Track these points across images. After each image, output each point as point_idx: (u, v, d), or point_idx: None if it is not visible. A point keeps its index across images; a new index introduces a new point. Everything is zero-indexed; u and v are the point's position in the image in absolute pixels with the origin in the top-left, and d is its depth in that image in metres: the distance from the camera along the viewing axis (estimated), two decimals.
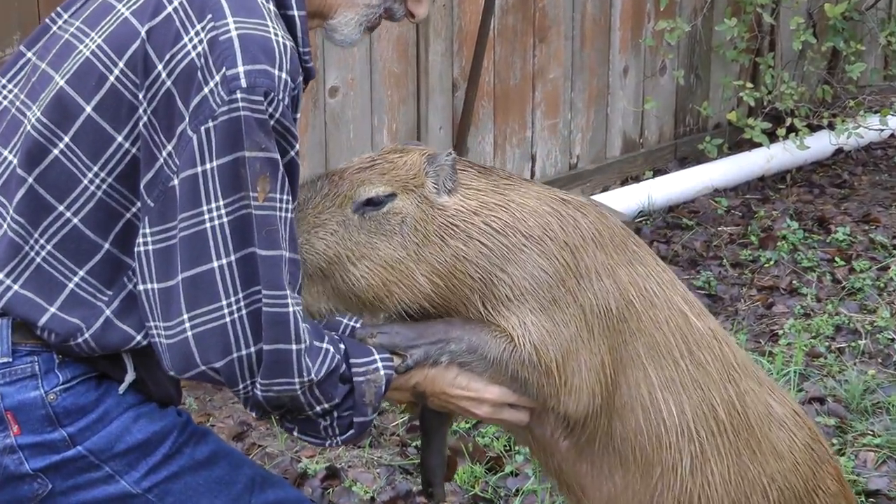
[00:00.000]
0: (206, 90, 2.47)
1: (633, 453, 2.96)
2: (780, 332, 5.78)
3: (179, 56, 2.50)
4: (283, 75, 2.50)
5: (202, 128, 2.47)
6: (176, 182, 2.50)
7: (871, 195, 7.49)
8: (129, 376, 2.69)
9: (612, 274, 2.89)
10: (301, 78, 2.61)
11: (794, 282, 6.27)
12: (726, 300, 6.13)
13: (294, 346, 2.54)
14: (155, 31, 2.53)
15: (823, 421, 5.05)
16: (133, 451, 2.70)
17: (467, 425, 5.06)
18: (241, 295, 2.50)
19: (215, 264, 2.49)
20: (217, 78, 2.46)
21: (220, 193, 2.48)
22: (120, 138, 2.55)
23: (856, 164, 7.98)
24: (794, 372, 5.35)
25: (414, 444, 4.98)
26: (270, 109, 2.48)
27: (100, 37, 2.58)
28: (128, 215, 2.59)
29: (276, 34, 2.52)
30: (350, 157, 5.97)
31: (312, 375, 2.59)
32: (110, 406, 2.68)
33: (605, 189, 7.18)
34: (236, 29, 2.49)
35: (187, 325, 2.51)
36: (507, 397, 2.86)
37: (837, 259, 6.52)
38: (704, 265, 6.49)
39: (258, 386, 2.55)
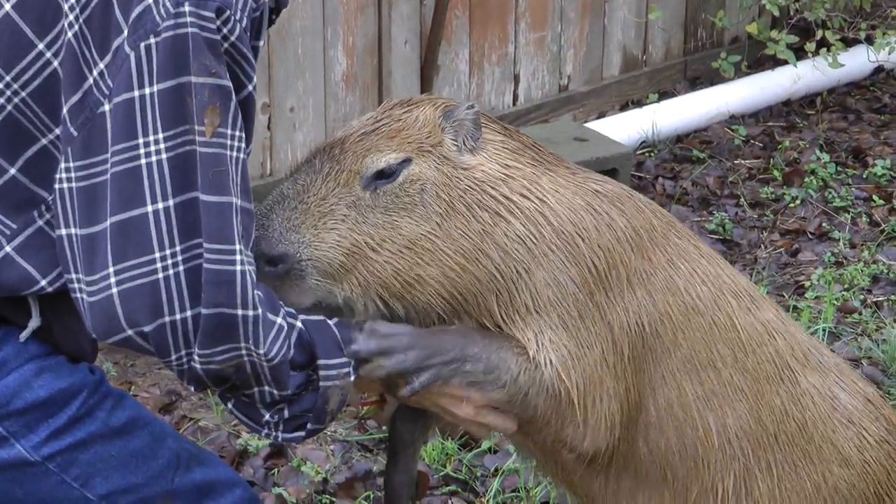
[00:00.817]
0: (150, 1, 2.43)
1: (661, 473, 2.98)
2: (808, 283, 5.82)
3: None
4: None
5: (142, 44, 2.43)
6: (107, 108, 2.46)
7: None
8: (34, 322, 2.67)
9: (647, 282, 2.88)
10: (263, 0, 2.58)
11: (823, 224, 6.31)
12: (744, 246, 6.17)
13: (240, 312, 2.50)
14: None
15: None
16: (32, 410, 2.68)
17: None
18: (178, 248, 2.46)
19: (149, 209, 2.45)
20: None
21: (159, 125, 2.44)
22: (41, 46, 2.52)
23: None
24: (824, 330, 5.40)
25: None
26: (225, 30, 2.45)
27: None
28: (44, 141, 2.57)
29: None
30: (297, 78, 5.98)
31: (262, 350, 2.56)
32: (8, 355, 2.66)
33: (602, 115, 7.20)
34: None
35: (112, 279, 2.46)
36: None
37: (875, 197, 6.56)
38: (718, 205, 6.52)
39: (196, 357, 2.52)
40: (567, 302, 2.82)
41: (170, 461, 2.83)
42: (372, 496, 4.64)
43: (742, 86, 7.47)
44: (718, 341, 2.94)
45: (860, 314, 5.60)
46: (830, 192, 6.59)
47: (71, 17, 2.48)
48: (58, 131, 2.55)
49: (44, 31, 2.51)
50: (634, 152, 6.79)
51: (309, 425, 2.68)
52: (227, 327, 2.50)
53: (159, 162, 2.44)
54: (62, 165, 2.51)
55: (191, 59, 2.42)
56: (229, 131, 2.47)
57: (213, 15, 2.43)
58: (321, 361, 2.67)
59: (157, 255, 2.46)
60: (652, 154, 6.96)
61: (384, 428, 4.89)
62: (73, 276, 2.52)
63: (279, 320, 2.59)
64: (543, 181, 2.84)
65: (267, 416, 2.67)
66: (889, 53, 7.31)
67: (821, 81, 7.61)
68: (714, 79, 7.51)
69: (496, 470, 4.75)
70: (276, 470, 4.77)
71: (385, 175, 2.74)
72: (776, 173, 6.79)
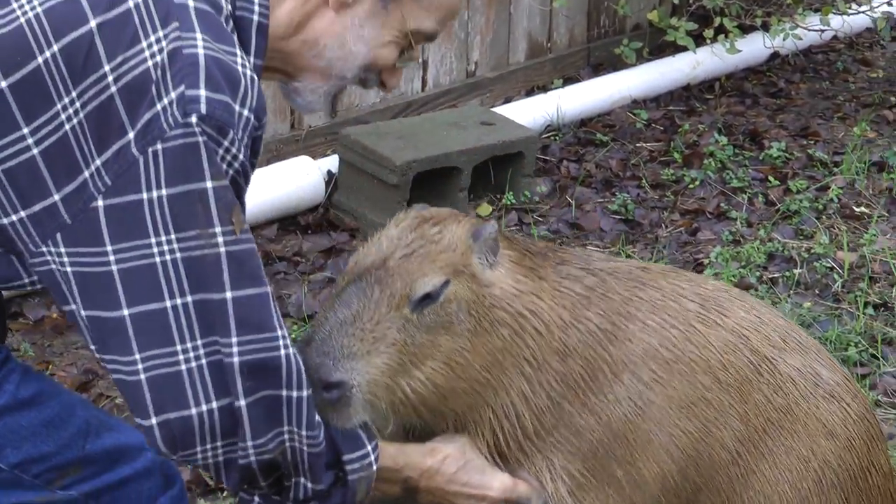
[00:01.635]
0: (158, 107, 2.42)
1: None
2: (706, 261, 5.84)
3: (133, 62, 2.45)
4: (246, 112, 2.49)
5: (150, 149, 2.43)
6: (100, 204, 2.45)
7: (809, 106, 7.59)
8: None
9: (628, 362, 2.97)
10: (266, 118, 2.60)
11: (722, 204, 6.33)
12: (645, 226, 6.18)
13: (286, 393, 2.55)
14: (108, 26, 2.47)
15: None
16: None
17: None
18: (199, 342, 2.50)
19: (168, 303, 2.48)
20: (173, 95, 2.42)
21: (171, 226, 2.45)
22: (25, 130, 2.48)
23: (793, 70, 8.07)
24: None
25: None
26: (226, 143, 2.46)
27: (40, 5, 2.50)
28: (3, 221, 2.54)
29: (244, 65, 2.51)
30: None
31: (306, 432, 2.60)
32: None
33: (508, 100, 7.20)
34: (204, 48, 2.45)
35: (139, 366, 2.50)
36: (513, 491, 2.90)
37: (771, 178, 6.60)
38: (621, 186, 6.53)
39: (250, 449, 2.56)
40: (564, 421, 2.92)
41: (80, 429, 2.81)
42: None
43: (643, 71, 7.49)
44: (699, 374, 3.00)
45: (756, 290, 5.62)
46: (728, 174, 6.62)
47: (70, 110, 2.45)
48: (23, 214, 2.51)
49: (30, 117, 2.48)
50: (540, 136, 6.78)
51: None
52: (274, 410, 2.55)
53: (174, 261, 2.46)
54: (52, 249, 2.50)
55: (205, 166, 2.44)
56: (247, 226, 2.51)
57: (215, 133, 2.44)
58: (346, 457, 2.71)
59: (179, 347, 2.49)
60: (557, 138, 6.95)
61: None
62: (106, 356, 2.53)
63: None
64: (544, 297, 2.92)
65: None
66: (784, 40, 7.34)
67: (719, 67, 7.65)
68: (616, 65, 7.53)
69: None
70: None
71: (430, 297, 2.78)
72: (676, 156, 6.82)
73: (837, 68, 8.14)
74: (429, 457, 2.86)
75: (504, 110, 6.74)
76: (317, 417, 2.63)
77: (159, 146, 2.42)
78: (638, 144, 6.96)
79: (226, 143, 2.46)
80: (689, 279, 3.15)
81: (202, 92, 2.43)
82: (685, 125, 7.16)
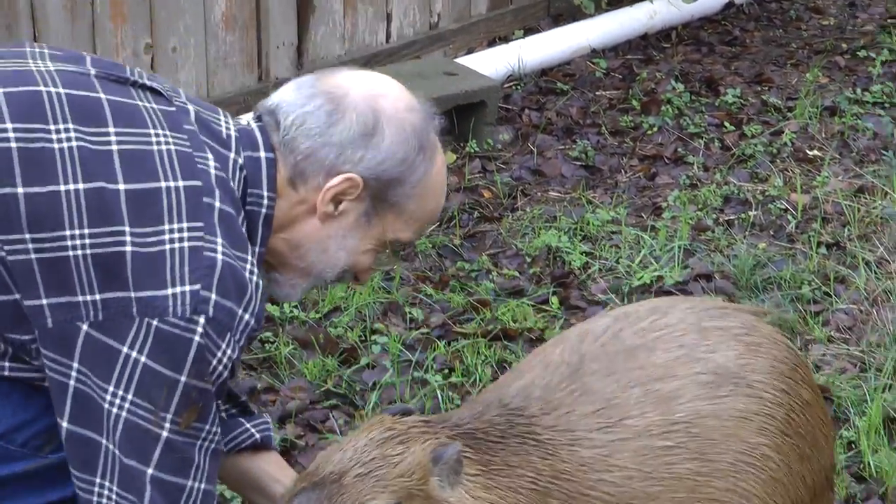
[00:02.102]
0: (168, 291, 2.54)
1: None
2: (664, 204, 5.88)
3: (154, 238, 2.57)
4: (247, 317, 2.59)
5: (146, 320, 2.53)
6: (84, 329, 2.55)
7: (763, 53, 7.61)
8: None
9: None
10: (263, 320, 2.72)
11: (679, 150, 6.37)
12: (605, 171, 6.21)
13: None
14: (136, 195, 2.59)
15: (712, 298, 5.18)
16: None
17: (317, 315, 5.10)
18: (115, 489, 2.62)
19: (102, 442, 2.60)
20: (188, 290, 2.54)
21: (133, 388, 2.55)
22: (27, 235, 2.59)
23: (747, 19, 8.09)
24: (679, 247, 5.47)
25: (260, 338, 5.01)
26: (223, 345, 2.57)
27: (77, 140, 2.63)
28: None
29: (252, 271, 2.63)
30: (178, 18, 5.88)
31: None
32: None
33: (471, 51, 7.19)
34: (223, 254, 2.58)
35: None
36: None
37: (727, 124, 6.64)
38: (581, 133, 6.55)
39: None
40: None
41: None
42: (257, 410, 4.64)
43: (602, 22, 7.48)
44: None
45: (713, 232, 5.67)
46: (685, 120, 6.65)
47: (78, 241, 2.55)
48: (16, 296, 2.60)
49: (39, 227, 2.56)
50: (502, 85, 6.79)
51: None
52: None
53: (118, 416, 2.57)
54: (41, 350, 2.60)
55: (189, 364, 2.55)
56: (206, 426, 2.61)
57: (216, 335, 2.55)
58: None
59: (98, 479, 2.63)
60: (518, 87, 6.97)
61: (262, 339, 4.90)
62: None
63: None
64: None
65: None
66: None
67: (676, 16, 7.67)
68: (576, 15, 7.52)
69: (374, 384, 4.77)
70: None
71: None
72: (635, 103, 6.84)
73: (790, 16, 8.16)
74: None
75: (467, 61, 6.74)
76: None
77: (156, 323, 2.53)
78: (597, 93, 6.99)
79: (223, 346, 2.57)
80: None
81: (213, 296, 2.54)
82: (643, 73, 7.17)
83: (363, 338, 5.01)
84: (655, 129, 6.58)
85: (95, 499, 2.62)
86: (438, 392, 4.72)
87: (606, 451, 3.03)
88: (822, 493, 3.31)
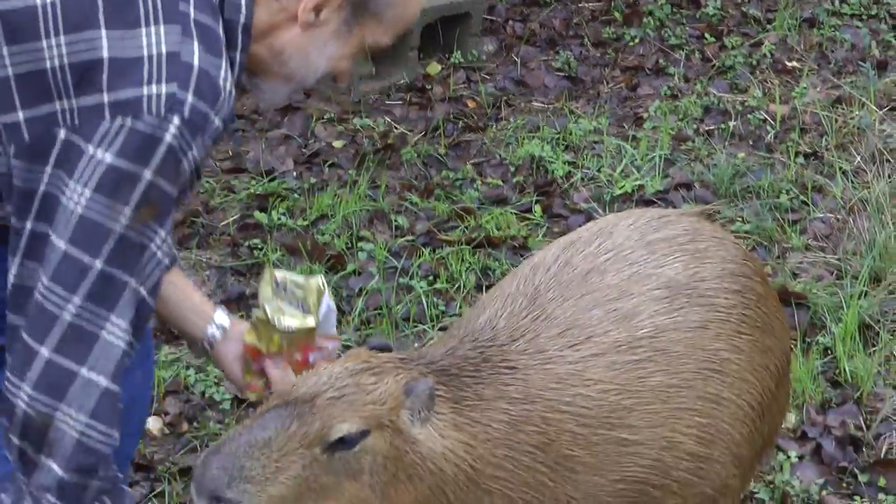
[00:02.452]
0: (145, 90, 2.50)
1: None
2: (646, 115, 5.87)
3: (131, 42, 2.53)
4: (217, 122, 2.57)
5: (120, 119, 2.50)
6: (62, 135, 2.53)
7: None
8: None
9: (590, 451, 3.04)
10: (230, 125, 2.70)
11: (660, 61, 6.35)
12: (587, 82, 6.19)
13: (92, 376, 2.59)
14: (112, 1, 2.56)
15: (690, 207, 5.18)
16: None
17: (305, 222, 5.09)
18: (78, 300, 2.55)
19: (61, 245, 2.55)
20: (164, 90, 2.51)
21: (94, 183, 2.51)
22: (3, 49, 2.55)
23: None
24: (660, 157, 5.47)
25: (246, 244, 5.01)
26: (194, 147, 2.55)
27: None
28: None
29: (226, 78, 2.59)
30: None
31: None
32: None
33: None
34: (199, 60, 2.55)
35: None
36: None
37: (707, 35, 6.61)
38: (564, 45, 6.52)
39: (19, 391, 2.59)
40: None
41: None
42: (245, 316, 4.65)
43: None
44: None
45: (693, 142, 5.66)
46: (666, 31, 6.62)
47: (55, 51, 2.53)
48: None
49: (15, 40, 2.54)
50: None
51: None
52: (60, 381, 2.60)
53: (74, 212, 2.53)
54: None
55: (156, 161, 2.51)
56: (161, 232, 2.58)
57: (189, 135, 2.53)
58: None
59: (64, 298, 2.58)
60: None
61: (249, 245, 4.89)
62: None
63: None
64: (477, 444, 2.92)
65: None
66: None
67: None
68: None
69: (360, 290, 4.78)
70: None
71: (344, 443, 2.76)
72: (617, 14, 6.80)
73: None
74: None
75: None
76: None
77: (129, 122, 2.50)
78: (580, 4, 6.94)
79: (193, 147, 2.55)
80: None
81: (189, 98, 2.52)
82: None
83: (350, 245, 5.01)
84: (637, 40, 6.55)
85: (36, 290, 2.57)
86: (423, 298, 4.73)
87: (580, 367, 3.05)
88: (783, 376, 3.38)
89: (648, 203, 5.16)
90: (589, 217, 4.93)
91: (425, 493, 2.89)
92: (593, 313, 3.09)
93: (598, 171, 5.45)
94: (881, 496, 4.03)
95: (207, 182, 5.34)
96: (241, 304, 4.71)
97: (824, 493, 4.03)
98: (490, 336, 3.07)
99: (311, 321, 3.10)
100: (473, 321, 3.15)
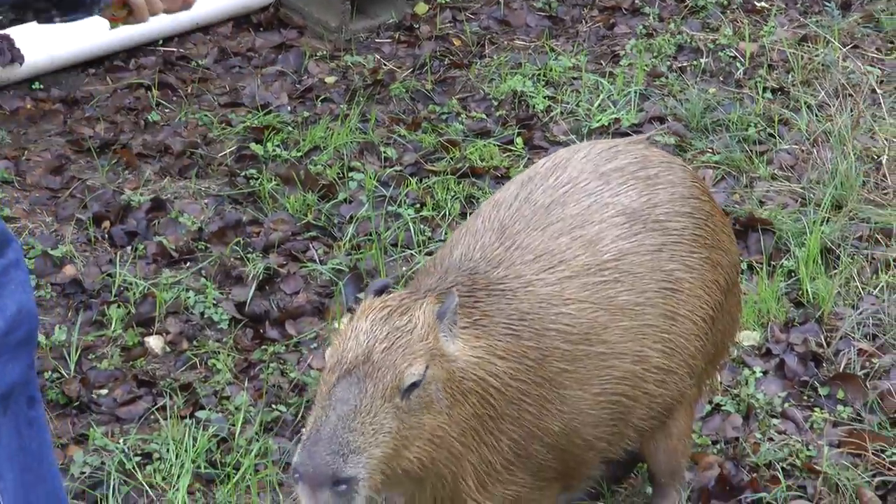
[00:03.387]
0: None
1: None
2: (622, 52, 5.85)
3: None
4: None
5: None
6: None
7: None
8: None
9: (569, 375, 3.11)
10: None
11: (636, 1, 6.30)
12: (567, 22, 6.15)
13: None
14: None
15: (663, 140, 5.18)
16: None
17: (299, 154, 5.08)
18: None
19: None
20: None
21: None
22: None
23: None
24: (635, 92, 5.45)
25: (243, 174, 5.00)
26: None
27: None
28: None
29: None
30: None
31: None
32: None
33: None
34: None
35: None
36: None
37: None
38: None
39: None
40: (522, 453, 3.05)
41: None
42: (242, 241, 4.66)
43: None
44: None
45: (667, 78, 5.65)
46: None
47: None
48: None
49: None
50: None
51: None
52: None
53: None
54: None
55: None
56: None
57: None
58: None
59: None
60: None
61: (245, 175, 4.89)
62: None
63: None
64: (497, 356, 2.97)
65: None
66: None
67: None
68: None
69: (351, 217, 4.78)
70: (156, 221, 4.76)
71: (415, 384, 2.79)
72: None
73: None
74: None
75: None
76: None
77: None
78: None
79: None
80: None
81: None
82: None
83: (341, 175, 5.00)
84: None
85: None
86: (410, 224, 4.74)
87: (559, 288, 3.08)
88: (733, 286, 3.43)
89: (625, 136, 5.16)
90: None
91: (477, 405, 2.94)
92: (560, 241, 3.12)
93: (577, 105, 5.44)
94: (839, 408, 4.06)
95: (205, 115, 5.33)
96: (238, 230, 4.70)
97: (786, 405, 4.06)
98: (471, 266, 3.09)
99: None
100: (448, 257, 3.17)
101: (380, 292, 2.95)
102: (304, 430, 2.80)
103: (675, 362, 3.23)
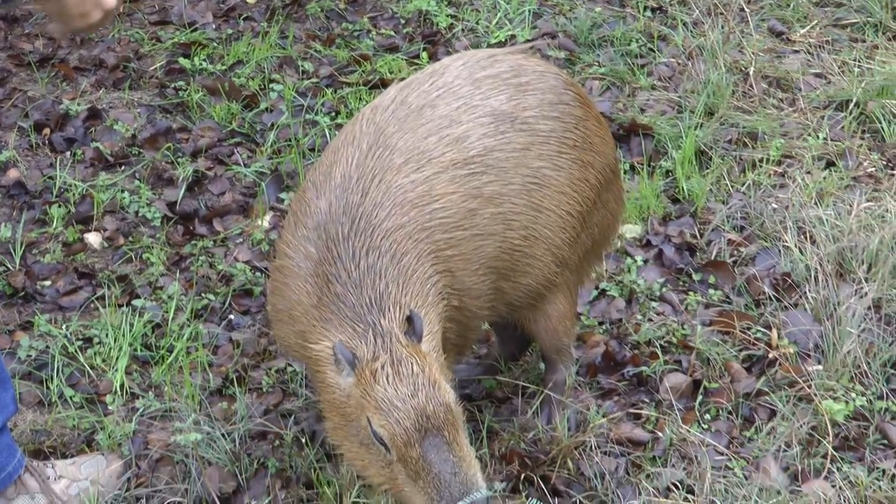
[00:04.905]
0: None
1: None
2: None
3: None
4: None
5: None
6: None
7: None
8: None
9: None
10: None
11: None
12: None
13: None
14: None
15: (555, 54, 5.16)
16: None
17: (223, 67, 5.01)
18: None
19: None
20: None
21: None
22: None
23: None
24: (529, 11, 5.42)
25: (172, 86, 4.92)
26: None
27: None
28: None
29: None
30: None
31: None
32: None
33: None
34: None
35: None
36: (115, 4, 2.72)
37: None
38: None
39: None
40: None
41: None
42: (172, 147, 4.59)
43: None
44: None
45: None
46: None
47: None
48: None
49: None
50: None
51: None
52: None
53: None
54: None
55: None
56: None
57: None
58: None
59: None
60: None
61: (175, 87, 4.81)
62: None
63: None
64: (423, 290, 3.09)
65: None
66: None
67: None
68: None
69: (272, 125, 4.73)
70: (93, 129, 4.67)
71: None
72: None
73: None
74: None
75: None
76: None
77: None
78: None
79: None
80: None
81: None
82: None
83: (262, 87, 4.94)
84: None
85: None
86: (326, 131, 4.70)
87: (427, 186, 3.08)
88: (609, 183, 3.43)
89: (531, 49, 5.12)
90: None
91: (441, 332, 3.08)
92: (429, 140, 3.11)
93: (477, 23, 5.39)
94: (711, 291, 4.11)
95: (137, 32, 5.22)
96: (168, 136, 4.64)
97: (664, 290, 4.10)
98: (348, 189, 3.07)
99: None
100: (330, 178, 3.11)
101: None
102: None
103: (538, 250, 3.25)
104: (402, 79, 3.48)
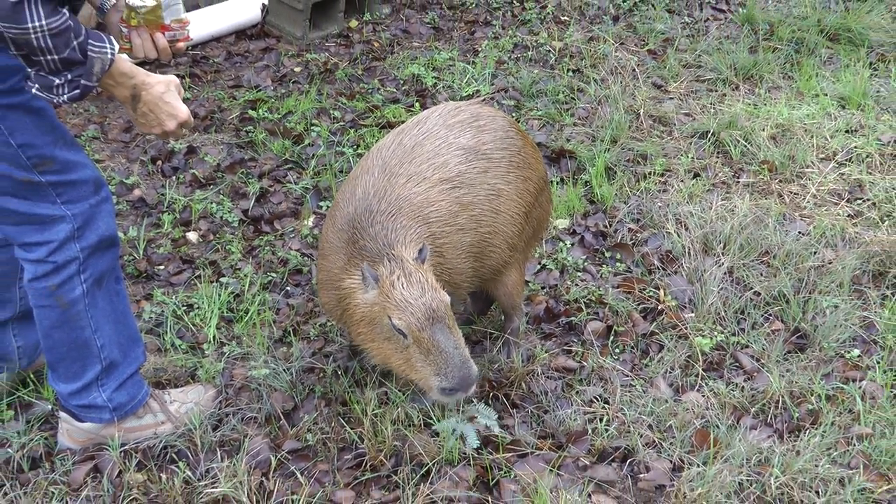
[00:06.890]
0: None
1: None
2: (479, 49, 5.73)
3: None
4: None
5: None
6: None
7: None
8: None
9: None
10: None
11: (488, 17, 6.19)
12: (445, 30, 6.02)
13: None
14: None
15: (507, 102, 5.11)
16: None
17: (278, 116, 4.94)
18: None
19: None
20: None
21: None
22: None
23: None
24: (489, 73, 5.36)
25: (244, 129, 4.85)
26: None
27: None
28: None
29: None
30: None
31: (44, 23, 2.26)
32: None
33: None
34: None
35: None
36: (189, 117, 2.60)
37: (515, 1, 6.44)
38: (431, 8, 6.31)
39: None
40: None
41: (55, 139, 2.62)
42: (244, 171, 4.53)
43: None
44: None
45: (508, 64, 5.56)
46: None
47: None
48: None
49: None
50: None
51: (83, 81, 2.38)
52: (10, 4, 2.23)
53: None
54: None
55: None
56: None
57: None
58: (91, 42, 2.39)
59: None
60: None
61: (248, 131, 4.73)
62: None
63: (61, 9, 2.30)
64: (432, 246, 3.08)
65: (57, 82, 2.37)
66: None
67: None
68: None
69: (313, 155, 4.66)
70: (190, 160, 4.61)
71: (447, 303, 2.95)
72: None
73: None
74: (150, 77, 2.52)
75: None
76: (52, 14, 2.26)
77: None
78: None
79: None
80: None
81: None
82: None
83: (306, 128, 4.87)
84: (474, 5, 6.35)
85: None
86: (351, 158, 4.64)
87: (426, 196, 3.03)
88: (542, 191, 3.38)
89: (484, 101, 5.08)
90: None
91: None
92: (421, 167, 3.06)
93: (453, 82, 5.34)
94: (618, 264, 4.07)
95: (220, 93, 5.15)
96: (242, 164, 4.57)
97: (586, 263, 4.06)
98: (367, 204, 3.00)
99: (151, 2, 2.61)
100: (353, 195, 3.05)
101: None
102: (424, 360, 2.83)
103: (497, 240, 3.21)
104: (397, 126, 3.42)
